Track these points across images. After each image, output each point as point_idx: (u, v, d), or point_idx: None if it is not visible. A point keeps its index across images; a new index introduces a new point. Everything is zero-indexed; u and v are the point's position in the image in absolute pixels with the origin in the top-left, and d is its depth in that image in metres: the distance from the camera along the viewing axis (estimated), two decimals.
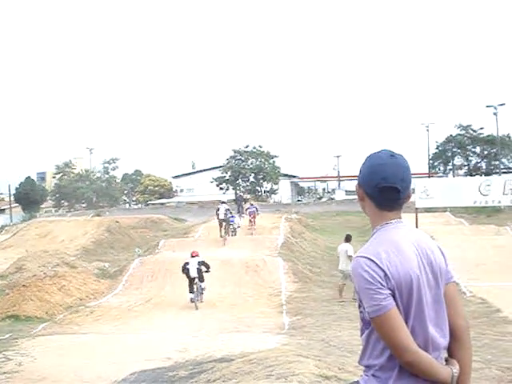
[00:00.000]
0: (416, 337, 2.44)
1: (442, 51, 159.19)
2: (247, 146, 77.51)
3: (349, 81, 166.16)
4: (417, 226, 17.95)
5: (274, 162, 77.46)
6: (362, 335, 2.57)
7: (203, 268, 17.55)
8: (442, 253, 2.62)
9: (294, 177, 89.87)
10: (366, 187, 2.59)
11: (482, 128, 75.68)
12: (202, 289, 17.64)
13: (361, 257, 2.48)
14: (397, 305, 2.42)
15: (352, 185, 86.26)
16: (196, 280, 17.39)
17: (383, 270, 2.41)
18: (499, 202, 17.86)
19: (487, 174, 66.96)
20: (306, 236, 31.14)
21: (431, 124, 77.62)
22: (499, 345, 10.91)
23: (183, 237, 31.67)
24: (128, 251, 31.01)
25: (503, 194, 16.82)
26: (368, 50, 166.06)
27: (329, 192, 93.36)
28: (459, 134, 78.46)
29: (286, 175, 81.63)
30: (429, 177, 64.40)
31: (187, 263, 17.75)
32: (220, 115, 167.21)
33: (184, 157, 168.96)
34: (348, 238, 17.39)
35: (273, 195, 77.96)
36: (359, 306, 2.53)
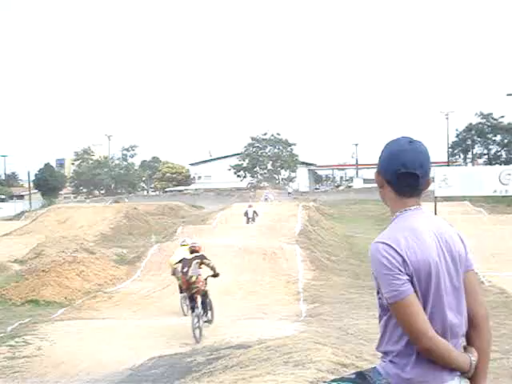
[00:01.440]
0: (434, 323, 2.43)
1: (463, 39, 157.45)
2: (265, 134, 77.43)
3: (368, 69, 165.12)
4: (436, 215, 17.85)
5: (291, 149, 77.31)
6: (380, 322, 2.56)
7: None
8: (462, 240, 2.60)
9: (312, 165, 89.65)
10: (385, 174, 2.59)
11: (502, 116, 74.84)
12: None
13: (379, 242, 2.47)
14: (415, 291, 2.42)
15: (370, 173, 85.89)
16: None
17: (401, 256, 2.41)
18: None
19: (507, 162, 66.18)
20: (324, 224, 31.06)
21: (451, 112, 77.14)
22: None
23: (201, 224, 31.75)
24: (146, 238, 31.17)
25: None
26: (388, 37, 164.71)
27: (347, 180, 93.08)
28: (479, 123, 77.64)
29: (303, 163, 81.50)
30: (448, 165, 63.93)
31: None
32: (238, 102, 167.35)
33: (202, 144, 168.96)
34: None
35: (290, 183, 77.85)
36: (377, 292, 2.53)
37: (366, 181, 77.00)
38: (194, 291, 12.20)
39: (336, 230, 30.78)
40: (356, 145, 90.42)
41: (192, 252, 12.84)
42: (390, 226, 2.57)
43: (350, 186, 77.89)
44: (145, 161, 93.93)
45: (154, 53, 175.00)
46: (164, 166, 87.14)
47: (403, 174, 2.52)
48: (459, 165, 70.83)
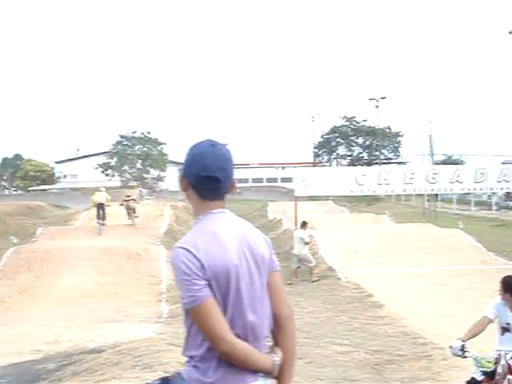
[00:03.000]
0: (235, 327, 2.43)
1: (327, 44, 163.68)
2: (134, 132, 76.19)
3: (238, 69, 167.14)
4: (296, 214, 18.34)
5: (161, 148, 76.68)
6: (185, 326, 2.54)
7: None
8: (267, 243, 2.64)
9: (182, 164, 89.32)
10: (188, 177, 2.57)
11: (365, 120, 78.69)
12: None
13: (178, 247, 2.45)
14: (214, 295, 2.40)
15: (242, 172, 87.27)
16: None
17: (200, 261, 2.39)
18: (374, 191, 18.57)
19: (369, 164, 69.68)
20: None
21: (317, 115, 79.80)
22: (369, 328, 11.31)
23: (63, 224, 30.65)
24: (3, 240, 29.54)
25: (378, 183, 17.48)
26: (256, 38, 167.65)
27: None
28: (343, 125, 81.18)
29: (174, 162, 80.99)
30: (313, 166, 66.16)
31: None
32: (108, 99, 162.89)
33: (69, 141, 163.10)
34: (304, 224, 18.06)
35: (160, 182, 77.12)
36: (182, 298, 2.49)
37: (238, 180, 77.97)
38: None
39: None
40: (226, 144, 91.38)
41: None
42: (191, 230, 2.56)
43: None
44: (6, 158, 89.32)
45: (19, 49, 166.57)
46: (27, 164, 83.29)
47: (204, 178, 2.51)
48: (324, 165, 73.45)
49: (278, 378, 2.55)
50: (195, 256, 2.39)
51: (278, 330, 2.59)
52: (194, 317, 2.41)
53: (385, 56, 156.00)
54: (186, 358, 2.54)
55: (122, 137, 75.87)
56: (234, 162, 2.64)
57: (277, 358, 2.51)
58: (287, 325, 2.61)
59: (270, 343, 2.59)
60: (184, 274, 2.38)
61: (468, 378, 5.89)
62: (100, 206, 26.12)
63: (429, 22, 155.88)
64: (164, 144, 77.04)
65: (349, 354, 9.58)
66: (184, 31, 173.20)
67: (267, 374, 2.50)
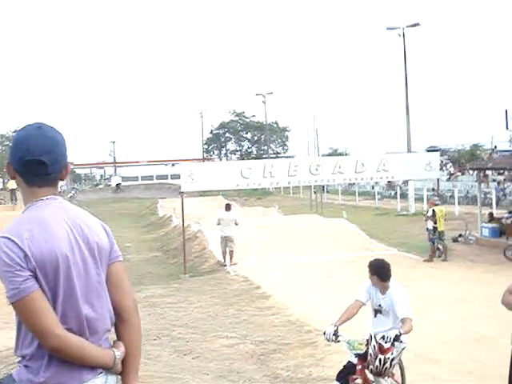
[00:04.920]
0: (68, 320, 2.29)
1: (216, 39, 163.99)
2: (15, 131, 72.99)
3: (126, 65, 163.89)
4: (183, 210, 18.21)
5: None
6: (16, 324, 2.38)
7: None
8: (107, 232, 2.51)
9: (69, 163, 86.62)
10: (14, 163, 2.40)
11: (253, 115, 79.74)
12: None
13: (1, 237, 2.26)
14: (41, 287, 2.24)
15: (129, 171, 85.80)
16: None
17: (23, 251, 2.23)
18: (259, 184, 18.75)
19: (258, 158, 70.50)
20: None
21: (205, 110, 79.87)
22: (256, 320, 11.40)
23: None
24: None
25: (263, 176, 17.66)
26: (145, 34, 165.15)
27: (106, 179, 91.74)
28: (232, 120, 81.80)
29: None
30: (203, 161, 66.19)
31: None
32: None
33: None
34: (229, 207, 19.01)
35: None
36: (5, 291, 2.31)
37: (124, 178, 76.59)
38: None
39: None
40: (113, 142, 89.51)
41: None
42: (17, 219, 2.38)
43: (109, 185, 76.80)
44: None
45: None
46: None
47: (29, 162, 2.34)
48: (214, 160, 73.63)
49: (122, 373, 2.44)
50: (18, 246, 2.23)
51: (121, 323, 2.47)
52: (19, 311, 2.25)
53: (271, 52, 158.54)
54: (19, 358, 2.37)
55: (1, 136, 72.58)
56: (64, 144, 2.49)
57: (118, 352, 2.39)
58: (130, 317, 2.48)
59: (114, 337, 2.48)
60: (6, 265, 2.21)
61: (345, 362, 6.08)
62: None
63: (313, 17, 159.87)
64: None
65: (235, 347, 9.60)
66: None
67: (108, 369, 2.37)
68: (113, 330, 2.51)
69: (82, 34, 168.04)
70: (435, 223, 18.14)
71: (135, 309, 2.53)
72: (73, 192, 58.26)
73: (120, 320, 2.47)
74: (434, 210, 18.52)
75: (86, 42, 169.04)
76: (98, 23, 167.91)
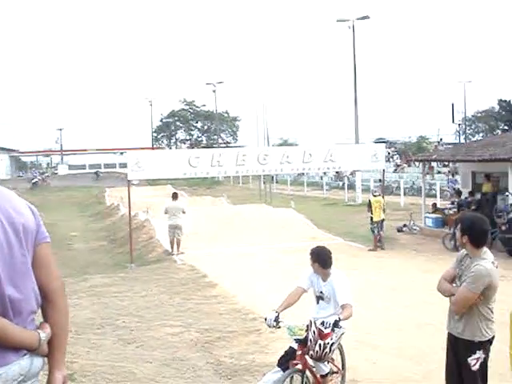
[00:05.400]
0: None
1: (166, 28, 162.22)
2: None
3: (73, 53, 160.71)
4: (129, 198, 18.01)
5: None
6: None
7: None
8: (33, 212, 2.47)
9: (14, 150, 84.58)
10: None
11: (204, 105, 79.39)
12: None
13: None
14: None
15: (76, 159, 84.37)
16: None
17: None
18: (208, 173, 18.69)
19: (208, 147, 70.23)
20: None
21: (154, 99, 79.05)
22: (201, 308, 11.40)
23: None
24: None
25: (211, 165, 17.61)
26: (93, 20, 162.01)
27: (53, 167, 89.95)
28: (183, 109, 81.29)
29: (3, 149, 76.34)
30: (152, 150, 65.49)
31: None
32: None
33: None
34: (175, 196, 19.23)
35: None
36: None
37: (71, 167, 75.25)
38: None
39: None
40: (61, 130, 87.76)
41: None
42: None
43: (55, 173, 75.34)
44: None
45: None
46: None
47: None
48: (164, 149, 73.00)
49: (49, 354, 2.42)
50: None
51: (48, 305, 2.45)
52: None
53: (222, 41, 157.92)
54: None
55: None
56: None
57: (44, 333, 2.37)
58: (57, 299, 2.47)
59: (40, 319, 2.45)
60: None
61: (287, 348, 6.15)
62: None
63: (265, 7, 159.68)
64: None
65: (180, 335, 9.59)
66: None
67: (34, 351, 2.35)
68: (40, 312, 2.48)
69: (30, 16, 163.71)
70: (371, 213, 18.51)
71: (62, 291, 2.51)
72: (39, 178, 57.76)
73: (46, 301, 2.45)
74: (369, 201, 18.90)
75: (32, 26, 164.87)
76: (47, 5, 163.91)
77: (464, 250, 5.12)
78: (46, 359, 2.45)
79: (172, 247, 18.17)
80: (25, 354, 2.32)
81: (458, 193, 21.59)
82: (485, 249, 5.02)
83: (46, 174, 65.79)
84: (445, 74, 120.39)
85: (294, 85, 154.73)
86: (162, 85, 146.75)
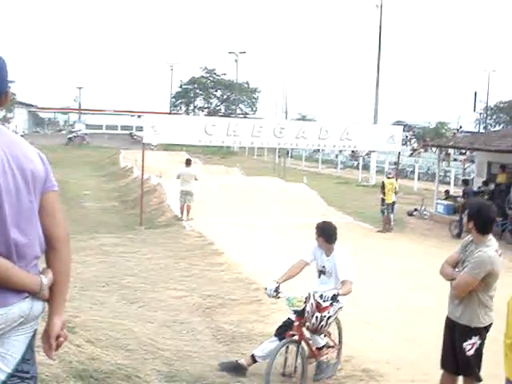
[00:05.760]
0: None
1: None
2: None
3: (96, 11, 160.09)
4: (143, 162, 18.08)
5: (9, 87, 72.03)
6: None
7: None
8: (43, 160, 2.51)
9: (33, 106, 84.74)
10: None
11: (224, 74, 78.83)
12: None
13: None
14: None
15: (93, 118, 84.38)
16: None
17: None
18: (223, 141, 18.69)
19: (226, 116, 70.02)
20: None
21: (176, 64, 78.75)
22: (206, 274, 11.50)
23: None
24: None
25: (227, 135, 17.60)
26: None
27: (70, 125, 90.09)
28: (203, 77, 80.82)
29: (22, 103, 76.50)
30: (170, 114, 65.41)
31: None
32: None
33: None
34: (189, 162, 19.32)
35: (7, 124, 72.71)
36: None
37: (88, 126, 75.34)
38: None
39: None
40: (80, 88, 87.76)
41: None
42: None
43: (72, 131, 75.53)
44: None
45: None
46: None
47: None
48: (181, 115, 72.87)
49: (50, 300, 2.48)
50: None
51: (51, 252, 2.51)
52: None
53: (246, 11, 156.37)
54: None
55: None
56: (5, 69, 2.50)
57: (46, 278, 2.43)
58: (61, 247, 2.52)
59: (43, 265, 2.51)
60: None
61: (285, 319, 6.22)
62: None
63: None
64: (12, 82, 72.46)
65: (183, 299, 9.71)
66: None
67: (35, 295, 2.41)
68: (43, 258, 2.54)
69: None
70: (384, 195, 18.45)
71: (66, 239, 2.56)
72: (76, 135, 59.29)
73: (50, 249, 2.50)
74: (383, 182, 18.82)
75: None
76: None
77: (470, 236, 5.14)
78: (46, 304, 2.50)
79: (182, 213, 18.27)
80: (26, 297, 2.38)
81: (465, 181, 21.41)
82: (490, 236, 5.03)
83: (84, 132, 66.16)
84: (470, 61, 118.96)
85: (315, 61, 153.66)
86: (183, 51, 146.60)
